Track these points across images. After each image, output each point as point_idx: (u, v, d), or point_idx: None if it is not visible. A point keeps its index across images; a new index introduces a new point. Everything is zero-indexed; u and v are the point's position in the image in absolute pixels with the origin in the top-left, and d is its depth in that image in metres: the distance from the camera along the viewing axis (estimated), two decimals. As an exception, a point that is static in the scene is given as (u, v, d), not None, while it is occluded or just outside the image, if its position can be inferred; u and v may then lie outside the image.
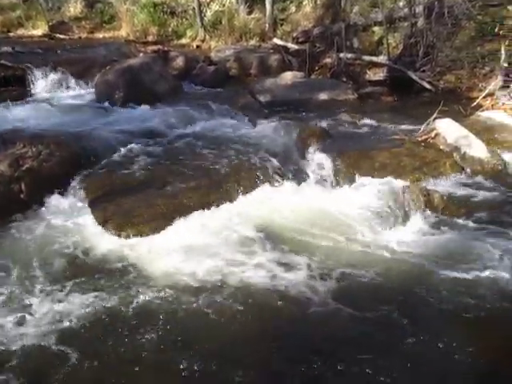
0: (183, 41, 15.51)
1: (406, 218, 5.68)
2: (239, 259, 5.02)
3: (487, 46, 10.41)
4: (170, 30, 15.88)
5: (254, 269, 4.86)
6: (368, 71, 11.52)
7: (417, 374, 3.77)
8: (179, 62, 12.41)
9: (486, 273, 4.75)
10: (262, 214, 5.82)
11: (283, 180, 6.53)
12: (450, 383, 3.75)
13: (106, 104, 9.62)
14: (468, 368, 3.80)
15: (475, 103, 9.32)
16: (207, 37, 15.01)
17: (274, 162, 6.84)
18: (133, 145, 7.31)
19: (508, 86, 9.20)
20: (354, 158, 6.87)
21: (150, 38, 15.59)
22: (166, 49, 13.46)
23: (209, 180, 6.38)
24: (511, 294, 4.49)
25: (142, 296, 4.54)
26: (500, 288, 4.57)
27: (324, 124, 8.29)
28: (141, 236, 5.41)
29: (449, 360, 3.87)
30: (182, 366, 3.81)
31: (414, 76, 10.71)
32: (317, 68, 12.05)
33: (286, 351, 3.96)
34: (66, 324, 4.21)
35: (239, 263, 4.96)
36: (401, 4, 12.28)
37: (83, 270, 4.90)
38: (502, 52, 9.30)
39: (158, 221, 5.60)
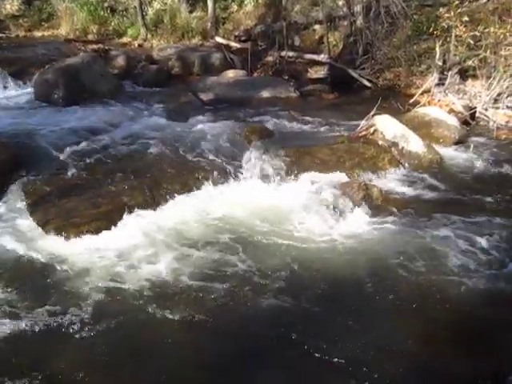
0: (124, 39, 15.31)
1: (345, 212, 5.78)
2: (182, 257, 5.01)
3: (423, 45, 10.67)
4: (110, 28, 15.66)
5: (196, 267, 4.86)
6: (309, 69, 11.66)
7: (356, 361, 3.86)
8: (120, 61, 12.23)
9: (420, 262, 4.94)
10: (206, 213, 5.83)
11: (225, 178, 6.54)
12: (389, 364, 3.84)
13: (46, 104, 9.42)
14: (402, 352, 3.95)
15: (412, 100, 9.55)
16: (149, 35, 14.87)
17: (216, 160, 6.86)
18: (73, 145, 7.19)
19: (443, 84, 9.49)
20: (295, 155, 6.95)
21: (90, 37, 15.32)
22: (106, 48, 13.23)
23: (151, 179, 6.34)
24: (443, 283, 4.68)
25: (82, 297, 4.49)
26: (433, 276, 4.75)
27: (266, 121, 8.36)
28: (82, 236, 5.33)
29: (385, 343, 4.01)
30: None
31: (354, 74, 10.93)
32: (259, 66, 12.09)
33: (224, 350, 3.99)
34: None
35: (182, 262, 4.95)
36: (340, 3, 12.46)
37: (22, 273, 4.80)
38: (437, 50, 9.56)
39: (100, 221, 5.54)
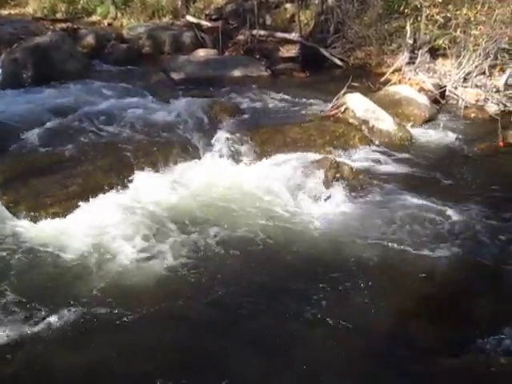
0: (94, 18, 15.10)
1: (316, 190, 5.79)
2: (153, 235, 4.98)
3: (394, 24, 10.69)
4: (79, 7, 15.42)
5: (166, 245, 4.84)
6: (281, 48, 11.62)
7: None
8: (90, 40, 12.07)
9: (390, 236, 5.02)
10: (177, 191, 5.80)
11: (196, 156, 6.51)
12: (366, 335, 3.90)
13: (14, 84, 9.19)
14: (374, 323, 4.01)
15: (383, 78, 9.60)
16: (119, 14, 14.68)
17: (187, 138, 6.81)
18: (43, 125, 7.03)
19: (414, 62, 9.54)
20: (267, 134, 6.97)
21: (58, 16, 15.09)
22: (75, 27, 13.03)
23: (122, 158, 6.25)
24: (415, 255, 4.77)
25: (53, 276, 4.46)
26: (405, 249, 4.83)
27: (237, 100, 8.35)
28: (54, 217, 5.28)
29: (363, 316, 4.07)
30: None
31: (325, 52, 10.95)
32: (230, 45, 12.01)
33: (195, 331, 3.98)
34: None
35: (153, 240, 4.92)
36: (312, -19, 12.41)
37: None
38: (408, 29, 9.61)
39: (72, 201, 5.47)
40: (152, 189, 5.84)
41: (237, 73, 10.15)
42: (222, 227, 5.15)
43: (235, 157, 6.61)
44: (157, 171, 6.15)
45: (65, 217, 5.30)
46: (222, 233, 5.07)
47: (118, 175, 5.95)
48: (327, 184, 5.88)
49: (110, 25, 14.49)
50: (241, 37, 12.16)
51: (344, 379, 3.52)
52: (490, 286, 4.46)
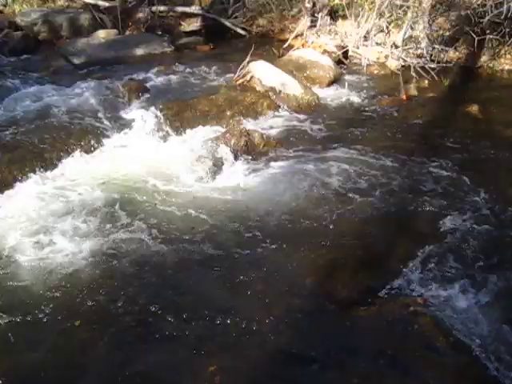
0: (-19, 7, 14.36)
1: (228, 160, 5.81)
2: (72, 223, 4.84)
3: (293, -11, 10.79)
4: (-38, -4, 14.62)
5: (92, 231, 4.73)
6: (183, 22, 11.46)
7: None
8: (-21, 30, 11.48)
9: (303, 196, 5.16)
10: (92, 174, 5.68)
11: (106, 138, 6.36)
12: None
13: None
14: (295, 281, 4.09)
15: (287, 44, 9.68)
16: (9, 0, 14.01)
17: (96, 121, 6.61)
18: None
19: (315, 26, 9.66)
20: (175, 109, 6.87)
21: None
22: (-39, 18, 12.37)
23: (31, 148, 6.01)
24: (327, 213, 4.89)
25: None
26: (317, 208, 4.96)
27: (142, 79, 8.18)
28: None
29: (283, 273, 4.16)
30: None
31: (227, 23, 10.93)
32: (130, 24, 11.70)
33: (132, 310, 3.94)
34: None
35: (73, 227, 4.78)
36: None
37: None
38: (306, -8, 9.70)
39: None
40: (67, 174, 5.72)
41: (140, 51, 9.94)
42: (135, 206, 5.10)
43: (146, 135, 6.48)
44: (70, 155, 6.00)
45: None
46: (136, 211, 5.00)
47: (30, 165, 5.74)
48: (239, 153, 5.92)
49: (0, 12, 13.83)
50: (140, 14, 11.87)
51: (267, 332, 3.58)
52: (404, 234, 4.64)
